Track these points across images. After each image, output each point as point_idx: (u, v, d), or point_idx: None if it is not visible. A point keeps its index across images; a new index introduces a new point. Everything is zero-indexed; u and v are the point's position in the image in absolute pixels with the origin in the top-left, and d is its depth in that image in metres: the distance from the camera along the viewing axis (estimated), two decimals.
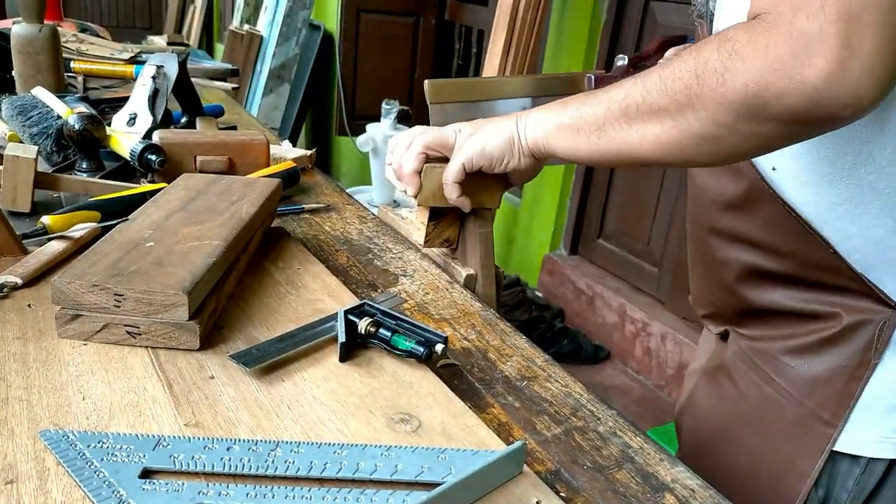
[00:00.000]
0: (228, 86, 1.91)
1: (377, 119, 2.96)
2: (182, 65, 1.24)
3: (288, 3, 3.90)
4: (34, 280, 0.71)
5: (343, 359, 0.62)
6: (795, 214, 0.70)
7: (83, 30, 2.33)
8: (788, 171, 0.70)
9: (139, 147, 0.98)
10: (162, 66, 1.21)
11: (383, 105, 2.88)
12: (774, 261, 0.74)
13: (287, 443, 0.51)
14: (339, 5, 3.82)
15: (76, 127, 1.02)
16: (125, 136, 1.04)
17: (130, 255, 0.65)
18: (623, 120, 0.68)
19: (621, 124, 0.68)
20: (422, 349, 0.61)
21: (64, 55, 1.54)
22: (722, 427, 0.82)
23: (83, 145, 1.03)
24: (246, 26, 4.25)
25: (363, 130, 2.97)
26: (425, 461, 0.50)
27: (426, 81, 0.96)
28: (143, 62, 1.62)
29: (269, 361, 0.60)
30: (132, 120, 1.16)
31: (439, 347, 0.61)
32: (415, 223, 0.91)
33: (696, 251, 0.88)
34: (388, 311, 0.65)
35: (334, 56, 3.96)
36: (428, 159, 0.82)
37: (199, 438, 0.51)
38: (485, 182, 0.83)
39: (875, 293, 0.69)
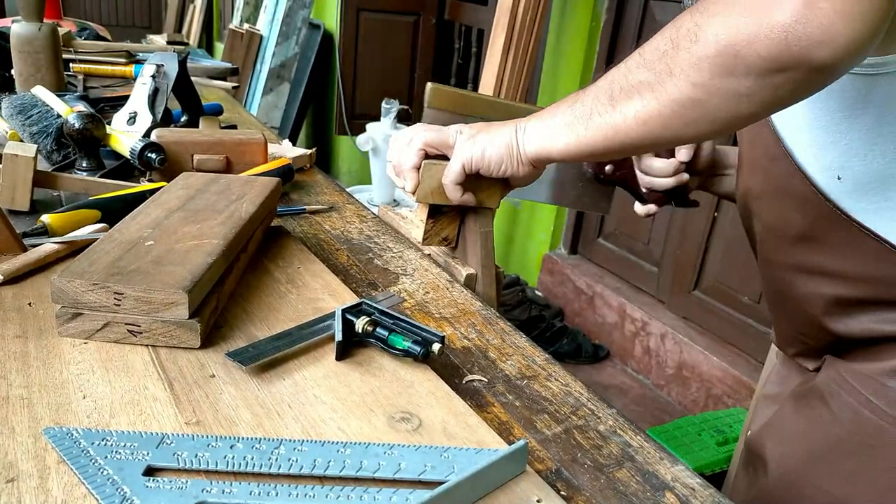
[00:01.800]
0: (228, 85, 1.91)
1: (377, 118, 2.96)
2: (182, 64, 1.24)
3: (288, 3, 3.90)
4: (32, 279, 0.71)
5: (340, 357, 0.62)
6: (869, 234, 0.68)
7: (83, 29, 2.33)
8: (853, 195, 0.68)
9: (139, 145, 0.98)
10: (162, 66, 1.22)
11: (383, 104, 2.87)
12: (856, 287, 0.72)
13: (290, 441, 0.51)
14: (338, 4, 3.82)
15: (76, 126, 1.02)
16: (125, 134, 1.04)
17: (130, 254, 0.65)
18: (608, 104, 0.67)
19: (606, 109, 0.67)
20: (419, 348, 0.61)
21: (63, 56, 1.54)
22: (813, 451, 0.78)
23: (83, 144, 1.03)
24: (246, 25, 4.25)
25: (363, 130, 2.97)
26: (428, 460, 0.50)
27: (428, 84, 0.96)
28: (142, 61, 1.62)
29: (266, 359, 0.60)
30: (132, 119, 1.16)
31: (436, 347, 0.61)
32: (414, 221, 0.92)
33: (775, 292, 0.86)
34: (386, 310, 0.65)
35: (334, 55, 3.96)
36: (427, 156, 0.82)
37: (202, 436, 0.51)
38: (484, 182, 0.83)
39: None
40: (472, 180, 0.82)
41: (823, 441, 0.77)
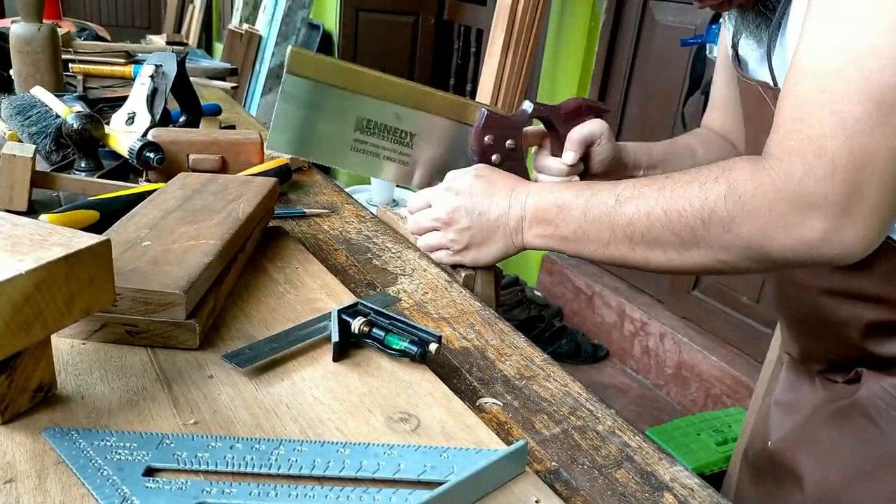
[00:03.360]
0: (227, 85, 1.91)
1: None
2: (181, 64, 1.24)
3: (287, 3, 3.90)
4: None
5: (337, 358, 0.62)
6: None
7: (82, 29, 2.33)
8: None
9: (138, 144, 0.98)
10: (161, 66, 1.21)
11: None
12: None
13: (290, 441, 0.51)
14: (338, 4, 3.82)
15: (75, 126, 1.02)
16: (124, 134, 1.04)
17: (127, 255, 0.65)
18: (627, 244, 0.71)
19: (626, 247, 0.72)
20: (415, 348, 0.60)
21: (63, 56, 1.54)
22: (857, 468, 0.77)
23: (82, 144, 1.03)
24: (245, 25, 4.25)
25: None
26: (428, 460, 0.50)
27: (289, 48, 0.87)
28: (141, 62, 1.62)
29: (262, 361, 0.60)
30: (131, 119, 1.16)
31: (433, 347, 0.61)
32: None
33: (804, 313, 0.86)
34: (382, 310, 0.65)
35: (333, 55, 3.96)
36: None
37: (202, 437, 0.51)
38: None
39: None
40: None
41: (870, 458, 0.77)
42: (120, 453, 0.48)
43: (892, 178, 0.59)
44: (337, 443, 0.51)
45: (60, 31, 1.75)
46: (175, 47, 2.22)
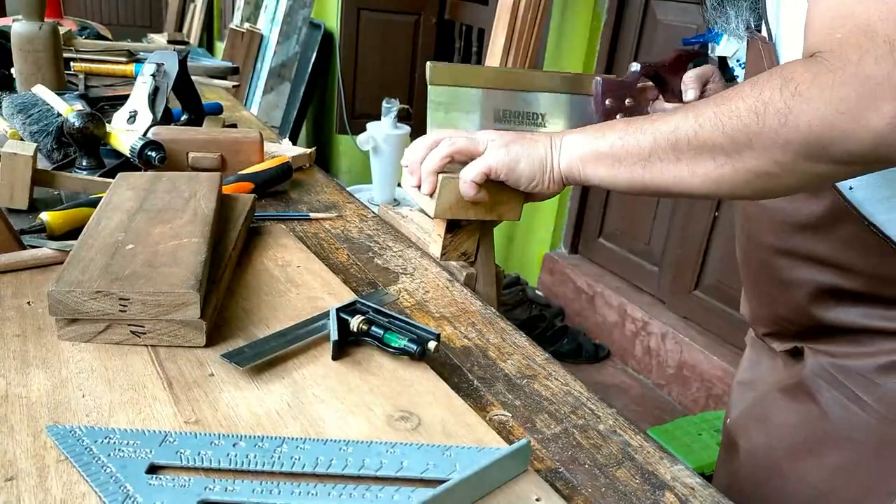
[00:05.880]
0: (229, 84, 1.91)
1: (377, 118, 2.95)
2: (182, 63, 1.24)
3: (288, 2, 3.89)
4: (32, 277, 0.71)
5: (336, 357, 0.62)
6: (877, 232, 0.68)
7: (83, 28, 2.33)
8: (866, 191, 0.69)
9: (139, 143, 0.98)
10: (162, 64, 1.21)
11: (383, 103, 2.87)
12: (853, 280, 0.73)
13: (292, 439, 0.51)
14: (339, 4, 3.81)
15: (76, 124, 1.02)
16: (125, 133, 1.04)
17: (117, 259, 0.64)
18: (672, 154, 0.66)
19: (670, 158, 0.66)
20: (414, 347, 0.60)
21: (65, 55, 1.54)
22: (800, 445, 0.79)
23: (84, 143, 1.03)
24: (246, 25, 4.24)
25: (363, 129, 2.97)
26: (430, 458, 0.50)
27: (428, 63, 0.98)
28: (143, 60, 1.62)
29: (262, 360, 0.59)
30: (132, 118, 1.16)
31: (432, 345, 0.61)
32: (431, 236, 0.91)
33: (757, 272, 0.86)
34: (381, 308, 0.65)
35: (334, 54, 3.96)
36: (452, 163, 0.79)
37: (205, 434, 0.51)
38: (506, 194, 0.81)
39: None
40: (493, 190, 0.80)
41: (812, 434, 0.78)
42: (123, 451, 0.49)
43: None
44: (339, 441, 0.51)
45: (62, 30, 1.75)
46: (177, 46, 2.22)
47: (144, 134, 1.06)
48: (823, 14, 0.58)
